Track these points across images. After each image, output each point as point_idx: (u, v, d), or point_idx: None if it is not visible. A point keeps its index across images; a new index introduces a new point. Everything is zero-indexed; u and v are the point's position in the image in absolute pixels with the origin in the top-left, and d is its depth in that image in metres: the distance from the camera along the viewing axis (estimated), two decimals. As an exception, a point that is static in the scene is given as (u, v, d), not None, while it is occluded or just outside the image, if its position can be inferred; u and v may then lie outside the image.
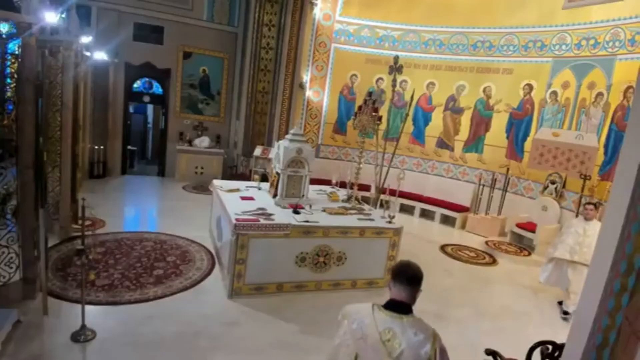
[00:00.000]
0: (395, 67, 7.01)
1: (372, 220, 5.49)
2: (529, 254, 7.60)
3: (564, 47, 7.99)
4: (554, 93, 8.13)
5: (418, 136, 10.16)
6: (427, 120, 10.03)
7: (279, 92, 9.87)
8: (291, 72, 9.80)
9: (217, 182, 6.55)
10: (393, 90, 7.36)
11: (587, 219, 5.17)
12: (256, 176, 7.24)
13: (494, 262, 7.16)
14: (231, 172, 10.53)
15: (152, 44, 10.12)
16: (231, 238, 4.60)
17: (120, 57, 9.83)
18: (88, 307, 3.86)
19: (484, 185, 8.92)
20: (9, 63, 4.44)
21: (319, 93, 10.39)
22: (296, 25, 9.60)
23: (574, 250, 5.06)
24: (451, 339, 4.38)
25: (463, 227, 8.95)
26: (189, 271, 5.26)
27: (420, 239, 7.89)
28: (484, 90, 9.28)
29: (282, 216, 5.04)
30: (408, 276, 1.98)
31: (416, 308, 1.97)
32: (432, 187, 9.74)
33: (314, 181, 6.45)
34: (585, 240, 5.00)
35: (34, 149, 3.99)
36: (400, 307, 1.95)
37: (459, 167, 9.69)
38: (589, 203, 5.42)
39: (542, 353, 2.86)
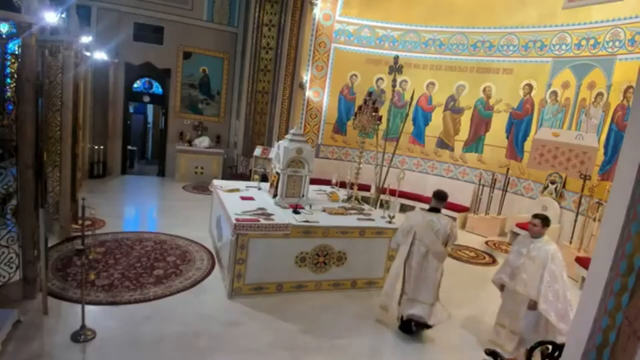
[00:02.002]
0: (395, 67, 7.01)
1: (372, 220, 5.49)
2: (529, 254, 7.59)
3: (564, 47, 7.99)
4: (554, 93, 8.13)
5: (418, 136, 10.16)
6: (427, 120, 10.03)
7: (279, 92, 9.86)
8: (291, 72, 9.80)
9: (217, 182, 6.55)
10: (393, 90, 7.36)
11: (532, 236, 4.07)
12: (256, 176, 7.24)
13: (494, 262, 7.16)
14: (231, 172, 10.52)
15: (152, 44, 10.12)
16: (231, 238, 4.60)
17: (120, 57, 9.83)
18: (88, 307, 3.86)
19: (484, 185, 8.92)
20: (9, 63, 4.43)
21: (319, 93, 10.39)
22: (296, 25, 9.60)
23: (513, 274, 4.08)
24: (451, 339, 4.42)
25: (463, 227, 8.95)
26: (189, 271, 5.26)
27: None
28: (484, 90, 9.28)
29: (282, 216, 5.04)
30: (436, 194, 4.32)
31: None
32: (432, 187, 9.61)
33: (314, 181, 6.45)
34: (526, 264, 3.98)
35: (34, 149, 3.99)
36: (435, 210, 4.30)
37: (459, 167, 9.69)
38: (535, 215, 4.11)
39: (542, 353, 2.86)
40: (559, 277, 3.76)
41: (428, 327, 4.29)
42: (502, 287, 4.26)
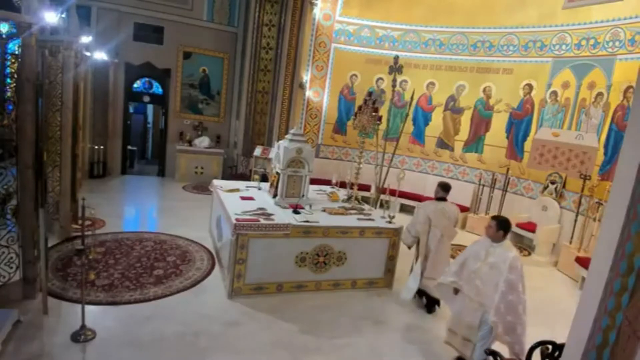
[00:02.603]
0: (395, 67, 7.01)
1: (372, 220, 5.49)
2: (529, 253, 7.60)
3: (564, 47, 7.99)
4: (554, 93, 8.13)
5: (418, 136, 10.16)
6: (427, 120, 10.03)
7: (279, 92, 9.87)
8: (291, 72, 9.80)
9: (217, 182, 6.55)
10: (393, 90, 7.36)
11: (492, 240, 3.69)
12: (256, 176, 7.24)
13: (494, 262, 7.15)
14: (231, 172, 10.52)
15: (152, 44, 10.12)
16: (231, 238, 4.60)
17: (120, 57, 9.83)
18: (88, 307, 3.86)
19: (484, 185, 8.92)
20: (9, 63, 4.43)
21: (319, 93, 10.39)
22: (296, 25, 9.60)
23: (469, 279, 3.75)
24: (451, 339, 4.40)
25: (463, 227, 8.95)
26: (189, 271, 5.26)
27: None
28: (484, 90, 9.28)
29: (282, 216, 5.04)
30: (443, 185, 4.99)
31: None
32: (432, 187, 9.64)
33: (314, 181, 6.45)
34: (482, 270, 3.62)
35: (34, 149, 3.99)
36: (443, 199, 4.94)
37: (459, 167, 9.69)
38: (492, 217, 3.79)
39: (542, 353, 2.86)
40: (515, 287, 3.41)
41: (438, 303, 4.89)
42: (456, 291, 3.90)
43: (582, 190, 7.09)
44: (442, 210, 4.88)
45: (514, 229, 8.08)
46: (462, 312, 3.81)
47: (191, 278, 5.08)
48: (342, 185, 6.92)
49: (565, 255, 7.00)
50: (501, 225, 3.61)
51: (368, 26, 10.11)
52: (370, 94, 8.85)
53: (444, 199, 4.99)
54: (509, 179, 8.57)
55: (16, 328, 3.61)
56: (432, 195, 5.22)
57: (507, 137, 8.93)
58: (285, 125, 9.91)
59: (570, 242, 7.11)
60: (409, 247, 5.34)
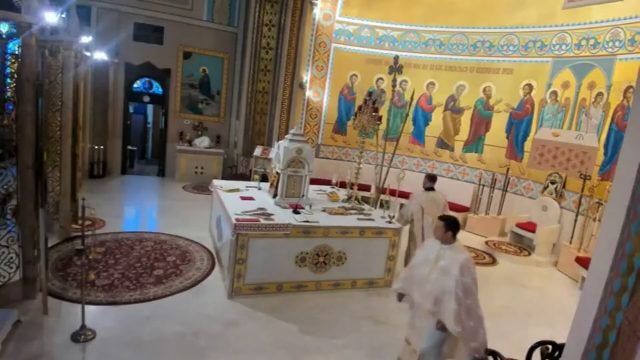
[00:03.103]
0: (395, 67, 7.01)
1: (372, 220, 5.49)
2: (529, 254, 7.60)
3: (563, 47, 7.99)
4: (554, 93, 8.13)
5: (418, 136, 10.16)
6: (427, 120, 10.03)
7: (279, 92, 9.87)
8: (291, 72, 9.80)
9: (217, 182, 6.55)
10: (393, 90, 7.36)
11: (441, 241, 3.38)
12: (256, 176, 7.24)
13: (494, 262, 7.16)
14: (231, 172, 10.52)
15: (152, 44, 10.12)
16: (231, 238, 4.60)
17: (120, 57, 9.83)
18: (88, 307, 3.86)
19: (484, 185, 8.92)
20: (9, 63, 4.44)
21: (319, 93, 10.39)
22: (296, 25, 9.60)
23: (419, 285, 3.38)
24: (451, 339, 4.40)
25: (463, 227, 8.95)
26: (189, 271, 5.26)
27: (420, 239, 7.89)
28: (484, 90, 9.28)
29: (282, 216, 5.04)
30: (431, 177, 5.66)
31: None
32: (432, 187, 9.72)
33: (314, 181, 6.45)
34: (433, 274, 3.27)
35: (34, 149, 3.99)
36: (431, 189, 5.58)
37: (459, 167, 9.69)
38: (440, 217, 3.51)
39: (542, 353, 2.86)
40: (471, 291, 3.14)
41: None
42: (400, 297, 3.65)
43: (582, 190, 7.09)
44: (432, 199, 5.55)
45: (514, 228, 8.09)
46: (414, 320, 3.48)
47: (191, 278, 5.08)
48: (342, 185, 6.92)
49: (565, 255, 7.00)
50: (450, 226, 3.31)
51: (368, 26, 10.11)
52: (370, 94, 8.86)
53: (432, 189, 5.65)
54: (509, 179, 8.57)
55: (16, 328, 3.61)
56: None
57: (507, 137, 8.93)
58: (285, 125, 9.91)
59: (570, 242, 7.11)
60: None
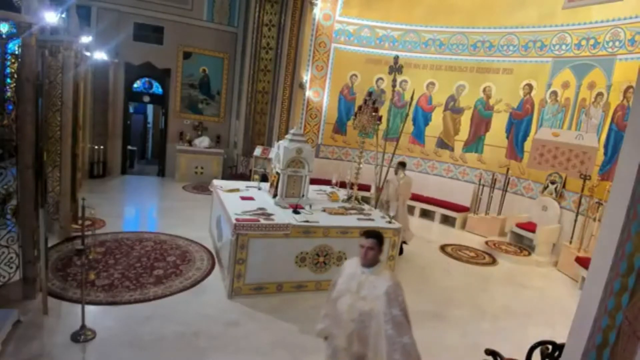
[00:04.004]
0: (395, 67, 7.01)
1: (372, 220, 5.49)
2: (529, 254, 7.60)
3: (564, 47, 7.99)
4: (554, 93, 8.13)
5: (418, 136, 10.16)
6: (427, 120, 10.03)
7: (279, 92, 9.87)
8: (291, 72, 9.80)
9: (217, 182, 6.55)
10: (393, 90, 7.36)
11: (363, 264, 2.66)
12: (256, 176, 7.24)
13: (494, 262, 7.16)
14: (231, 172, 10.52)
15: (152, 44, 10.12)
16: (231, 238, 4.60)
17: (120, 57, 9.83)
18: (88, 307, 3.86)
19: (484, 185, 8.92)
20: (9, 63, 4.44)
21: (319, 93, 10.39)
22: (296, 25, 9.60)
23: (340, 322, 2.69)
24: (451, 339, 4.42)
25: (463, 227, 8.95)
26: (189, 271, 5.26)
27: (420, 239, 7.89)
28: (484, 90, 9.28)
29: (282, 216, 5.04)
30: (403, 163, 7.02)
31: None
32: (432, 187, 9.74)
33: (314, 181, 6.45)
34: (355, 308, 2.58)
35: (34, 149, 3.99)
36: (402, 174, 6.85)
37: (459, 167, 9.69)
38: (367, 233, 2.67)
39: (542, 353, 2.86)
40: (404, 326, 2.48)
41: (405, 243, 6.62)
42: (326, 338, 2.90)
43: (582, 190, 7.09)
44: (406, 182, 6.75)
45: (514, 228, 8.09)
46: None
47: (191, 278, 5.08)
48: (342, 185, 6.92)
49: (565, 255, 7.00)
50: (381, 242, 2.67)
51: (368, 26, 10.11)
52: (370, 94, 8.86)
53: (403, 174, 6.81)
54: (509, 179, 8.57)
55: (16, 328, 3.61)
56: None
57: (507, 137, 8.93)
58: (285, 125, 9.91)
59: (570, 242, 7.11)
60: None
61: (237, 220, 4.63)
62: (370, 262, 2.63)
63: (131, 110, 12.05)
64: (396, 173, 6.84)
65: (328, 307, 2.84)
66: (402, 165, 6.92)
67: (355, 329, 2.57)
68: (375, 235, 2.64)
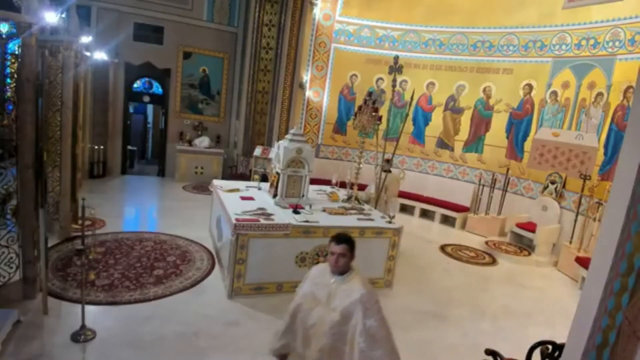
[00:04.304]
0: (395, 67, 7.01)
1: (372, 220, 5.49)
2: (529, 254, 7.60)
3: (564, 47, 7.99)
4: (554, 93, 8.13)
5: (418, 136, 10.16)
6: (427, 120, 10.03)
7: (279, 92, 9.87)
8: (291, 72, 9.80)
9: (217, 182, 6.55)
10: (393, 90, 7.36)
11: (333, 271, 2.44)
12: (256, 176, 7.24)
13: (494, 262, 7.16)
14: (231, 172, 10.52)
15: (152, 44, 10.12)
16: (231, 238, 4.60)
17: (120, 57, 9.83)
18: (88, 307, 3.86)
19: (484, 185, 8.92)
20: (9, 63, 4.43)
21: (319, 93, 10.39)
22: (296, 25, 9.60)
23: (306, 337, 2.45)
24: (451, 339, 4.42)
25: (463, 227, 8.95)
26: (189, 271, 5.26)
27: (420, 239, 7.89)
28: (484, 90, 9.28)
29: (282, 216, 5.04)
30: (387, 160, 6.82)
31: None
32: (432, 187, 9.74)
33: (314, 181, 6.45)
34: (325, 320, 2.36)
35: (34, 149, 3.99)
36: (389, 171, 6.92)
37: (459, 167, 9.69)
38: (338, 238, 2.44)
39: (542, 353, 2.86)
40: (379, 337, 2.28)
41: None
42: (283, 358, 2.60)
43: (582, 190, 7.09)
44: (395, 180, 7.06)
45: (514, 228, 8.09)
46: None
47: (191, 278, 5.08)
48: (342, 185, 6.92)
49: (565, 255, 7.00)
50: (353, 247, 2.45)
51: (368, 26, 10.11)
52: (370, 94, 8.85)
53: (389, 171, 6.93)
54: (509, 179, 8.57)
55: (16, 328, 3.61)
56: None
57: (507, 137, 8.93)
58: (285, 125, 9.91)
59: (570, 242, 7.11)
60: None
61: (237, 220, 4.63)
62: (341, 269, 2.42)
63: (131, 110, 12.05)
64: (384, 170, 6.91)
65: (287, 323, 2.55)
66: (387, 162, 6.99)
67: (327, 343, 2.33)
68: (346, 240, 2.42)
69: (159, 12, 9.97)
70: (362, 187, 7.07)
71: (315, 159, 6.04)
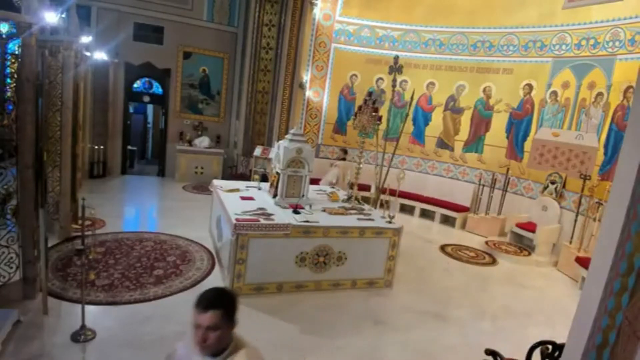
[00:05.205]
0: (395, 67, 7.01)
1: (372, 220, 5.49)
2: (529, 254, 7.60)
3: (563, 47, 7.99)
4: (554, 93, 8.13)
5: (418, 136, 10.16)
6: (427, 120, 10.03)
7: (279, 92, 9.87)
8: (291, 72, 9.80)
9: (217, 182, 6.55)
10: (393, 90, 7.36)
11: (204, 354, 1.75)
12: (256, 176, 7.24)
13: (494, 262, 7.16)
14: (231, 172, 10.52)
15: (152, 44, 10.12)
16: (231, 238, 4.60)
17: (120, 57, 9.83)
18: (88, 307, 3.86)
19: (484, 185, 8.92)
20: (9, 63, 4.43)
21: (319, 93, 10.39)
22: (296, 25, 9.60)
23: None
24: (451, 339, 4.42)
25: (463, 227, 8.95)
26: (189, 271, 5.26)
27: (420, 239, 7.89)
28: (484, 90, 9.28)
29: (282, 216, 5.04)
30: (343, 150, 9.53)
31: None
32: (432, 187, 9.74)
33: (314, 181, 6.45)
34: None
35: (34, 149, 3.99)
36: (344, 159, 9.31)
37: (459, 167, 9.69)
38: (201, 301, 1.76)
39: (542, 353, 2.86)
40: None
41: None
42: None
43: (582, 190, 7.09)
44: (345, 166, 7.69)
45: (514, 228, 8.09)
46: None
47: (191, 278, 5.08)
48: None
49: (565, 255, 7.00)
50: (233, 310, 1.83)
51: (368, 26, 10.11)
52: (370, 94, 8.85)
53: (344, 159, 8.04)
54: (509, 179, 8.57)
55: (16, 328, 3.60)
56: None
57: (507, 137, 8.93)
58: (285, 125, 9.91)
59: (570, 242, 7.11)
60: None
61: (237, 220, 4.63)
62: (213, 349, 1.67)
63: (131, 110, 12.06)
64: (340, 159, 8.55)
65: None
66: (344, 152, 8.73)
67: None
68: (217, 304, 1.66)
69: (159, 12, 9.98)
70: (362, 187, 7.07)
71: (315, 159, 6.04)
